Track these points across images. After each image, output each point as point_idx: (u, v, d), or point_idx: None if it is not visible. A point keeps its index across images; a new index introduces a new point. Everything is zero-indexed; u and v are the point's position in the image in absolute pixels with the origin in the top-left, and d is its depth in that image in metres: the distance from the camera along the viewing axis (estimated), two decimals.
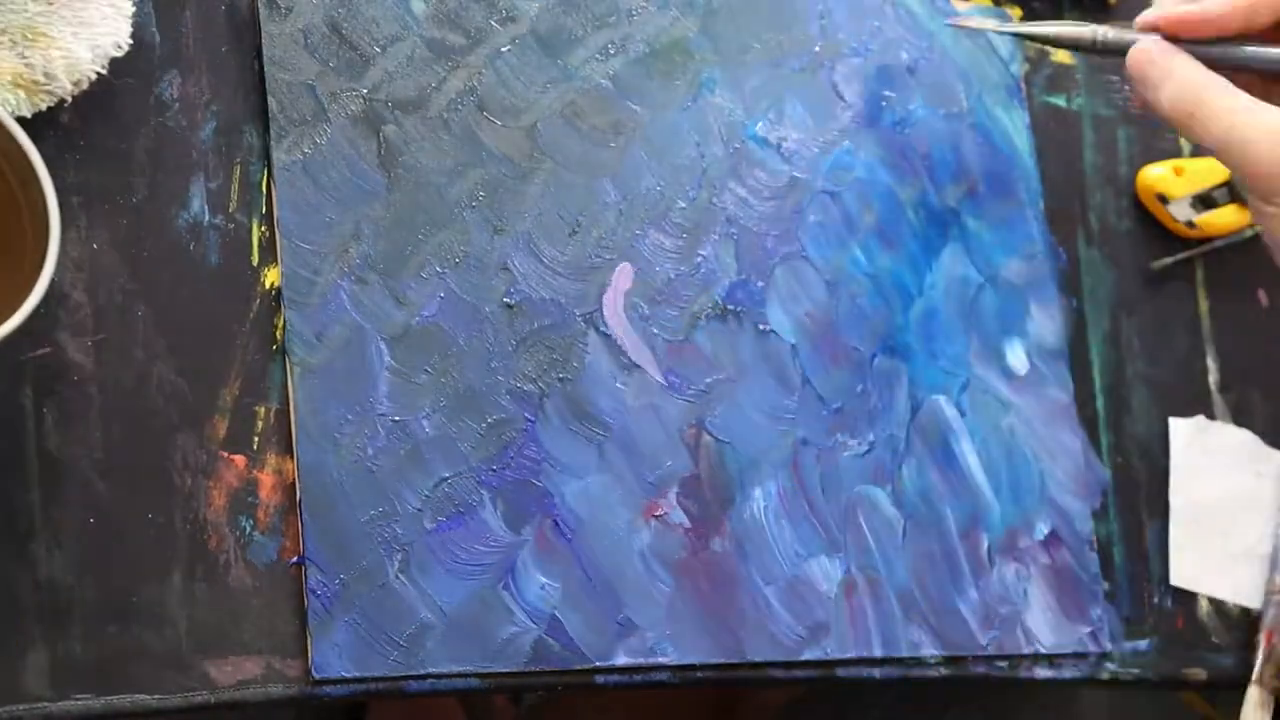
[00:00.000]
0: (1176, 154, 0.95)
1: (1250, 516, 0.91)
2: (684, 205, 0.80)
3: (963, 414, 0.84)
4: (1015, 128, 0.90)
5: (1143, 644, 0.87)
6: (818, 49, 0.86)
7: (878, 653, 0.78)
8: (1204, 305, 0.94)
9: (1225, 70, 0.77)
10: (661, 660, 0.74)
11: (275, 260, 0.71)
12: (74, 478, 0.65)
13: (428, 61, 0.76)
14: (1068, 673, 0.84)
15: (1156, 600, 0.88)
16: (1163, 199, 0.93)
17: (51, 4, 0.66)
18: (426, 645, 0.69)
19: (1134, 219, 0.93)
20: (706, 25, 0.83)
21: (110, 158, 0.69)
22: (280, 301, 0.70)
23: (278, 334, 0.70)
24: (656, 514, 0.75)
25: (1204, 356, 0.93)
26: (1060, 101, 0.93)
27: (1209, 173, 0.93)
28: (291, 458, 0.69)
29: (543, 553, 0.72)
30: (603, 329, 0.76)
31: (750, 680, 0.76)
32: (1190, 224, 0.93)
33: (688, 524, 0.76)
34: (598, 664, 0.72)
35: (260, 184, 0.72)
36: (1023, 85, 0.91)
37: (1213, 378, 0.93)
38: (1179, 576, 0.89)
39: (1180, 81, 0.77)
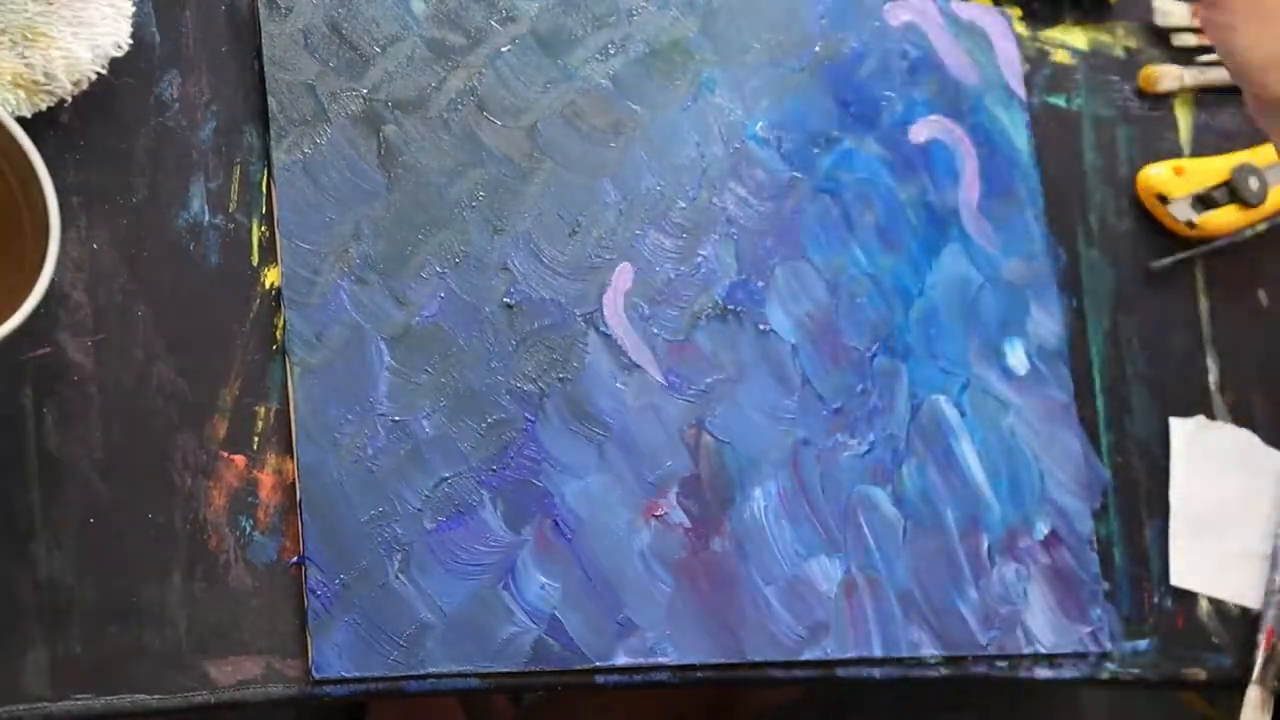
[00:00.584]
0: (1176, 154, 0.95)
1: (1250, 516, 0.91)
2: (684, 205, 0.80)
3: (963, 414, 0.84)
4: (1015, 128, 0.90)
5: (1143, 644, 0.86)
6: (818, 49, 0.86)
7: (878, 653, 0.78)
8: (1204, 305, 0.94)
9: None
10: (661, 660, 0.74)
11: (275, 260, 0.71)
12: (74, 478, 0.65)
13: (428, 61, 0.76)
14: (1068, 673, 0.84)
15: (1156, 600, 0.88)
16: (1163, 199, 0.92)
17: (51, 4, 0.66)
18: (426, 645, 0.69)
19: (1134, 219, 0.93)
20: (706, 25, 0.83)
21: (110, 158, 0.69)
22: (280, 301, 0.70)
23: (278, 334, 0.70)
24: (656, 514, 0.75)
25: (1204, 356, 0.93)
26: (1060, 101, 0.93)
27: (1209, 173, 0.93)
28: (291, 458, 0.69)
29: (543, 553, 0.72)
30: (603, 329, 0.76)
31: (750, 680, 0.76)
32: (1190, 224, 0.92)
33: (688, 524, 0.76)
34: (598, 664, 0.72)
35: (260, 184, 0.72)
36: (1023, 85, 0.91)
37: (1212, 378, 0.93)
38: (1179, 576, 0.89)
39: None
